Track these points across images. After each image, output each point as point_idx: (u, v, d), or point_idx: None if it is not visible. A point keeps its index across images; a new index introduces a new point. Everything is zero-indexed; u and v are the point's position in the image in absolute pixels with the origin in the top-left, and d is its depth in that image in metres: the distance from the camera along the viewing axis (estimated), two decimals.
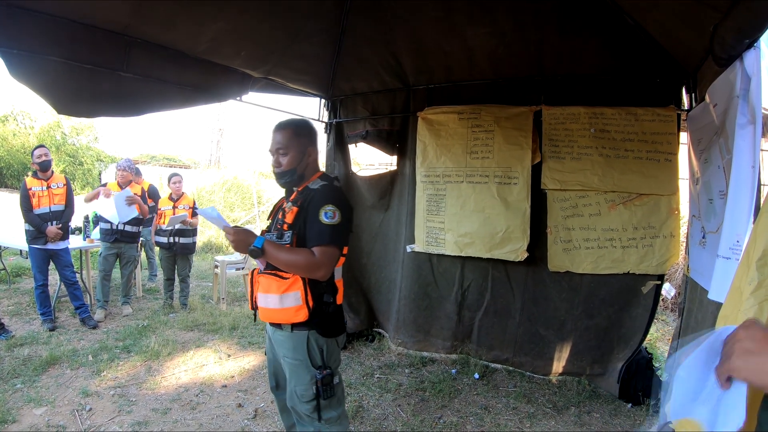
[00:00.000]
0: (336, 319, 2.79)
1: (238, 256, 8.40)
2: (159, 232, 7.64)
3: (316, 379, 2.67)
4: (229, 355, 5.84)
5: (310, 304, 2.64)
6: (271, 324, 2.83)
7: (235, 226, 2.67)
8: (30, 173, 6.80)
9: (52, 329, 6.59)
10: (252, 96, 5.60)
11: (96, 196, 7.08)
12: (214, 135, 30.88)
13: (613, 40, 4.43)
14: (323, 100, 6.27)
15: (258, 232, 2.72)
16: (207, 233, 14.82)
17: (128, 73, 4.49)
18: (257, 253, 2.56)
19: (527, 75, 4.99)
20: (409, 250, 5.71)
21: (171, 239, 7.59)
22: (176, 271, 7.82)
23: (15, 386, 4.98)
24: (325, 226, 2.56)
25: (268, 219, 3.01)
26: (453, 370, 5.29)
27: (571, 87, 4.82)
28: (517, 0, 4.06)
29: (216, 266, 8.29)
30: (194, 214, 7.71)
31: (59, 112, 4.76)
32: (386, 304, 6.08)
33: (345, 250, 2.73)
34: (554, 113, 4.84)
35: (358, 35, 4.92)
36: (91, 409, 4.55)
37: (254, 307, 2.93)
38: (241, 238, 2.59)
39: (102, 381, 5.12)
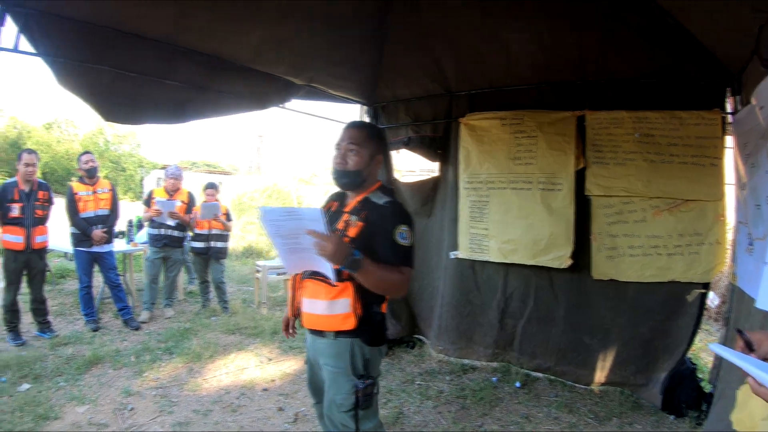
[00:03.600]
0: (381, 329, 2.75)
1: (279, 261, 8.48)
2: (196, 237, 8.01)
3: (357, 388, 2.62)
4: (270, 359, 5.98)
5: (359, 312, 2.58)
6: (312, 331, 2.78)
7: (334, 233, 2.54)
8: (76, 179, 7.13)
9: (95, 329, 6.92)
10: (293, 102, 5.67)
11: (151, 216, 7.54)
12: (254, 141, 31.32)
13: (656, 42, 4.42)
14: (364, 107, 6.39)
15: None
16: (248, 238, 14.94)
17: (173, 81, 4.62)
18: (357, 264, 2.42)
19: (569, 79, 5.02)
20: (452, 256, 5.76)
21: (207, 244, 7.95)
22: (210, 275, 8.14)
23: (58, 384, 5.18)
24: (401, 247, 2.53)
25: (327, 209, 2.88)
26: (494, 378, 5.33)
27: (613, 91, 4.86)
28: (557, 4, 4.04)
29: (257, 271, 8.61)
30: (229, 218, 8.11)
31: (105, 119, 4.93)
32: (428, 311, 6.14)
33: None
34: (597, 118, 4.88)
35: (399, 42, 5.00)
36: (133, 409, 4.70)
37: (295, 314, 2.91)
38: (341, 248, 2.41)
39: (144, 381, 5.31)
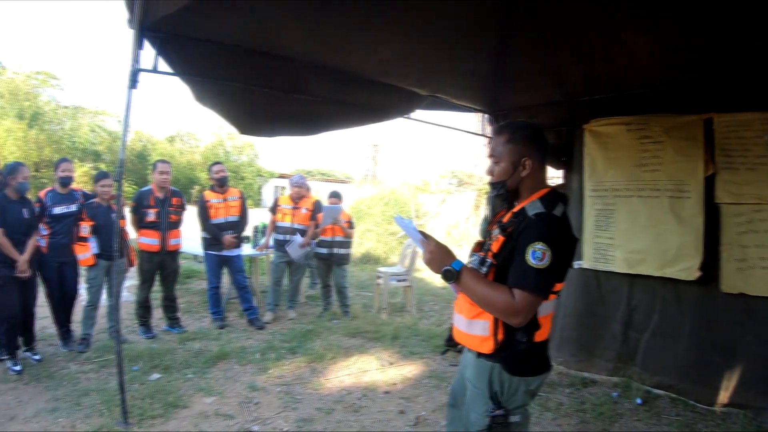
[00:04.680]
0: (528, 358, 2.45)
1: (400, 268, 8.76)
2: (320, 243, 8.50)
3: (489, 414, 2.44)
4: (391, 363, 6.23)
5: (499, 337, 2.39)
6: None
7: (436, 241, 2.50)
8: (208, 187, 7.97)
9: (221, 327, 7.58)
10: (416, 112, 5.79)
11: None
12: (369, 150, 31.67)
13: None
14: (486, 115, 6.44)
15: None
16: (366, 244, 15.20)
17: (303, 96, 4.85)
18: (452, 276, 2.35)
19: (695, 81, 4.86)
20: (576, 266, 5.70)
21: (330, 250, 8.43)
22: (332, 279, 8.58)
23: (186, 376, 5.67)
24: (530, 269, 2.24)
25: (486, 229, 2.79)
26: (614, 393, 5.28)
27: (741, 92, 4.70)
28: (682, 4, 3.94)
29: (379, 277, 9.02)
30: (351, 226, 8.55)
31: (241, 132, 5.28)
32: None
33: (558, 287, 2.44)
34: (725, 121, 4.76)
35: (519, 49, 4.97)
36: (258, 403, 5.03)
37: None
38: (437, 256, 2.40)
39: (268, 378, 5.67)
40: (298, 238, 7.95)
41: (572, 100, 5.70)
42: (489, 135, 6.32)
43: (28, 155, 32.13)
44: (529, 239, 2.28)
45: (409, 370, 5.97)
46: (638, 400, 5.07)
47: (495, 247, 2.43)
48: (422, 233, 2.52)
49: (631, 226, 5.33)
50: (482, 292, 2.31)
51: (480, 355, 2.49)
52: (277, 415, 4.76)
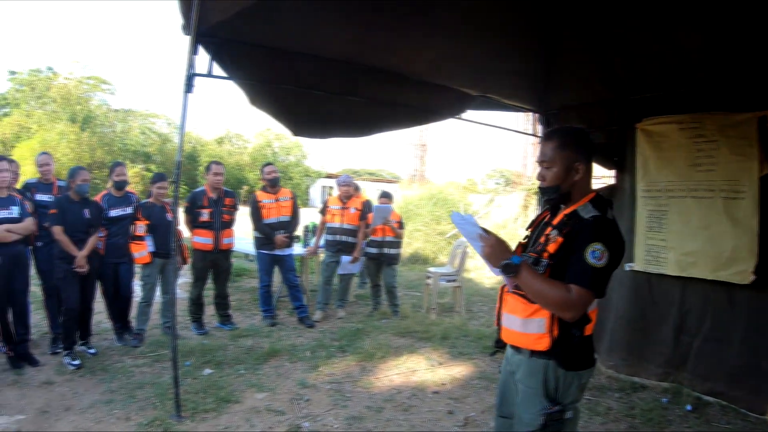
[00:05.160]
0: (580, 352, 2.58)
1: (449, 269, 8.79)
2: (370, 243, 8.60)
3: (545, 411, 2.52)
4: (440, 363, 6.28)
5: (554, 333, 2.48)
6: (512, 346, 2.75)
7: (496, 236, 2.61)
8: (259, 187, 8.20)
9: (272, 325, 7.79)
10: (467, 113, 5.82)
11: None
12: (417, 150, 31.69)
13: None
14: (536, 115, 6.48)
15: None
16: (414, 244, 15.23)
17: (356, 98, 4.90)
18: (511, 269, 2.46)
19: (748, 78, 4.74)
20: (627, 268, 5.67)
21: (380, 250, 8.53)
22: (382, 279, 8.67)
23: (238, 371, 5.84)
24: (589, 267, 2.37)
25: (527, 229, 2.92)
26: (664, 399, 5.20)
27: None
28: (732, 1, 3.86)
29: (428, 277, 9.12)
30: (401, 226, 8.64)
31: (294, 134, 5.36)
32: (599, 324, 5.81)
33: None
34: None
35: (570, 48, 4.98)
36: (309, 400, 5.16)
37: (497, 324, 2.91)
38: (497, 250, 2.51)
39: (318, 375, 5.80)
40: (346, 258, 8.22)
41: (624, 99, 5.65)
42: (539, 135, 6.30)
43: (80, 157, 33.36)
44: (587, 240, 2.40)
45: (459, 370, 6.01)
46: (688, 407, 5.00)
47: (552, 248, 2.52)
48: (483, 228, 2.62)
49: (683, 228, 5.26)
50: (539, 286, 2.42)
51: (533, 353, 2.56)
52: (327, 413, 4.86)
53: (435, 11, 4.14)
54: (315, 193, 45.10)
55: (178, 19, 4.11)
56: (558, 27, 4.89)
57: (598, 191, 2.69)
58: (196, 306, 7.41)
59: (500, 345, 2.85)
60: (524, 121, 18.31)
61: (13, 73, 44.08)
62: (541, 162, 2.66)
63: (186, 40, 4.23)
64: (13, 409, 4.77)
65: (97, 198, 6.59)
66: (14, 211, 5.68)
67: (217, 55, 4.46)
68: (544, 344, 2.50)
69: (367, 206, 8.48)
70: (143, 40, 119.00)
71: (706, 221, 5.08)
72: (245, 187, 36.34)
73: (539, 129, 6.49)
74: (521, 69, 5.40)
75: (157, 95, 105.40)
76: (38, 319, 6.81)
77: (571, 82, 5.75)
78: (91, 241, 6.02)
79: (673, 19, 4.32)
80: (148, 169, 35.64)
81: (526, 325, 2.56)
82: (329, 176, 44.85)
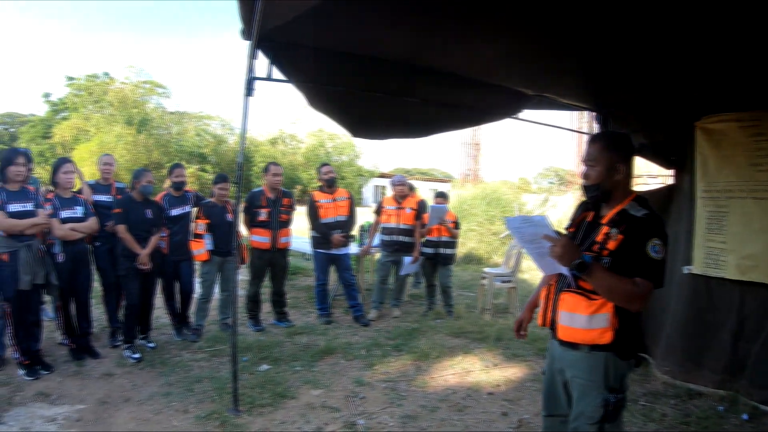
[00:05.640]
0: (635, 342, 2.79)
1: (505, 269, 8.77)
2: (426, 242, 8.67)
3: (608, 402, 2.67)
4: (495, 364, 6.30)
5: (616, 326, 2.64)
6: (563, 344, 2.85)
7: (566, 237, 2.76)
8: (316, 187, 8.37)
9: (327, 323, 8.00)
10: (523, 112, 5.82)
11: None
12: (470, 149, 31.51)
13: None
14: (593, 114, 6.31)
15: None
16: (468, 244, 15.20)
17: (413, 99, 4.91)
18: (585, 268, 2.57)
19: None
20: (685, 271, 5.57)
21: (436, 250, 8.59)
22: (437, 279, 8.75)
23: (294, 368, 6.01)
24: (651, 261, 2.56)
25: (568, 229, 3.04)
26: (720, 407, 5.08)
27: None
28: None
29: (483, 277, 9.16)
30: (457, 226, 8.74)
31: (353, 135, 5.46)
32: (655, 328, 5.94)
33: None
34: None
35: (627, 46, 4.88)
36: (364, 398, 5.26)
37: (545, 324, 2.99)
38: (568, 250, 2.61)
39: (374, 374, 5.91)
40: (407, 259, 8.31)
41: (682, 96, 5.50)
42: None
43: (137, 158, 34.44)
44: (647, 235, 2.59)
45: (513, 372, 6.02)
46: (744, 416, 4.88)
47: (612, 245, 2.65)
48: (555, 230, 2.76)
49: (744, 230, 5.12)
50: (611, 282, 2.56)
51: (593, 348, 2.70)
52: (382, 411, 4.95)
53: (488, 10, 4.15)
54: (368, 193, 45.60)
55: (228, 21, 4.20)
56: (614, 24, 4.85)
57: (638, 192, 2.86)
58: (253, 303, 7.63)
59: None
60: (578, 119, 18.20)
61: (71, 78, 46.36)
62: (585, 161, 2.85)
63: (245, 45, 4.39)
64: (74, 399, 5.08)
65: (158, 198, 6.92)
66: (78, 211, 6.05)
67: (275, 59, 4.57)
68: (606, 338, 2.64)
69: (422, 206, 8.55)
70: (195, 43, 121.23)
71: (767, 223, 4.95)
72: (298, 187, 36.83)
73: (595, 128, 6.44)
74: (578, 67, 5.34)
75: (210, 97, 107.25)
76: (98, 314, 7.07)
77: (629, 81, 5.57)
78: (153, 240, 6.36)
79: (732, 15, 4.25)
80: (203, 170, 36.64)
81: (592, 321, 2.67)
82: (382, 176, 45.30)
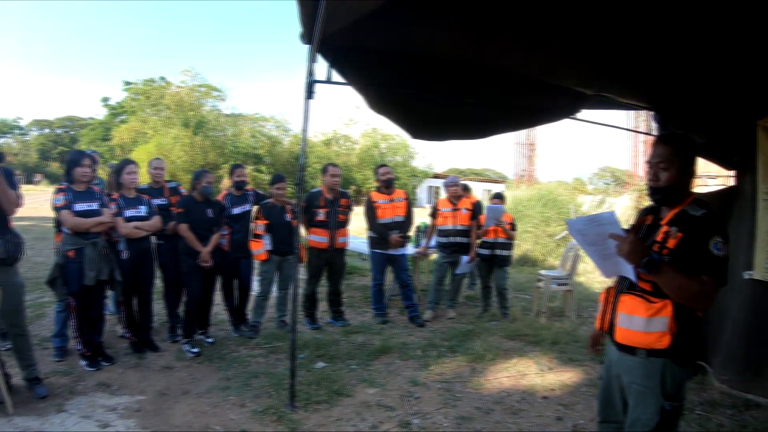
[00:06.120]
0: (694, 348, 2.69)
1: (561, 272, 8.72)
2: (482, 244, 8.72)
3: (664, 409, 2.64)
4: (550, 368, 6.28)
5: (674, 330, 2.59)
6: (621, 348, 2.83)
7: (632, 234, 2.72)
8: (374, 188, 8.59)
9: (383, 323, 8.11)
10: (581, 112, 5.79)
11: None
12: (524, 150, 31.24)
13: None
14: (651, 113, 6.21)
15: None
16: (523, 246, 15.11)
17: (473, 99, 4.95)
18: (655, 265, 2.55)
19: None
20: (746, 277, 5.38)
21: (492, 251, 8.62)
22: (493, 281, 8.73)
23: (350, 366, 6.13)
24: (714, 258, 2.54)
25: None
26: None
27: None
28: None
29: (539, 279, 9.16)
30: (513, 228, 8.71)
31: (413, 137, 5.52)
32: (714, 336, 5.73)
33: None
34: None
35: (685, 43, 4.78)
36: (419, 398, 5.28)
37: (604, 327, 3.01)
38: (637, 248, 2.59)
39: (429, 374, 5.94)
40: (464, 258, 8.36)
41: (743, 94, 5.34)
42: (653, 134, 6.16)
43: (194, 159, 35.44)
44: (709, 234, 2.58)
45: (568, 376, 5.99)
46: None
47: (672, 243, 2.65)
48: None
49: None
50: (680, 280, 2.53)
51: (651, 353, 2.67)
52: (437, 411, 4.97)
53: (550, 11, 4.15)
54: (422, 194, 45.72)
55: (282, 24, 4.29)
56: (673, 22, 4.80)
57: (697, 194, 2.84)
58: (310, 302, 7.80)
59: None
60: (634, 118, 17.94)
61: (128, 83, 48.43)
62: (655, 163, 2.78)
63: (302, 47, 4.51)
64: (134, 390, 5.32)
65: (220, 197, 7.20)
66: (142, 210, 6.34)
67: (335, 62, 4.68)
68: (664, 342, 2.61)
69: (477, 206, 8.61)
70: (249, 46, 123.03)
71: None
72: (353, 188, 37.29)
73: (653, 127, 6.36)
74: (637, 65, 5.31)
75: (265, 99, 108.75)
76: (158, 309, 7.27)
77: (688, 77, 5.52)
78: (215, 238, 6.64)
79: None
80: (258, 170, 37.30)
81: (650, 325, 2.65)
82: (436, 176, 45.40)
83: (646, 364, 2.68)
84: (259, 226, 7.22)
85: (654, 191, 2.82)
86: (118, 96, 57.40)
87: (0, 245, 4.64)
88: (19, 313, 5.03)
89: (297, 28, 4.25)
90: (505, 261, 8.73)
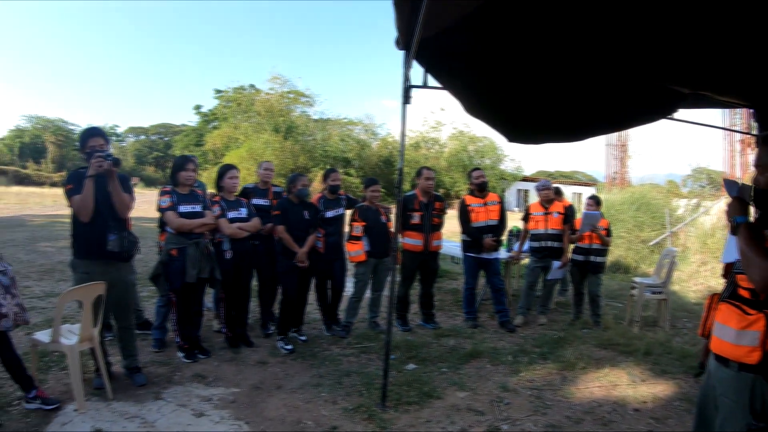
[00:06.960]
0: None
1: (656, 280, 8.57)
2: (576, 249, 8.62)
3: (750, 427, 2.50)
4: (642, 380, 6.11)
5: (766, 347, 2.46)
6: (717, 359, 2.73)
7: (738, 197, 2.69)
8: (468, 192, 8.51)
9: (473, 326, 8.12)
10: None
11: None
12: (616, 151, 30.53)
13: None
14: (751, 111, 5.99)
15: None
16: (616, 252, 14.79)
17: (569, 101, 4.95)
18: (737, 224, 2.56)
19: None
20: None
21: (586, 257, 8.46)
22: (585, 287, 8.62)
23: (441, 369, 6.16)
24: None
25: None
26: None
27: None
28: None
29: (633, 287, 8.92)
30: (609, 234, 8.51)
31: (509, 140, 5.59)
32: None
33: None
34: None
35: None
36: (509, 404, 5.28)
37: (704, 334, 2.97)
38: (733, 206, 2.61)
39: (519, 380, 5.93)
40: (555, 263, 8.30)
41: None
42: (754, 133, 5.97)
43: (284, 163, 36.53)
44: None
45: (661, 389, 5.82)
46: None
47: None
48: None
49: None
50: (748, 245, 2.46)
51: (742, 367, 2.55)
52: (527, 418, 4.96)
53: (649, 7, 4.09)
54: (511, 197, 45.29)
55: (371, 27, 4.33)
56: None
57: None
58: (402, 304, 7.90)
59: (703, 368, 2.89)
60: (729, 117, 17.26)
61: (219, 92, 50.30)
62: (757, 166, 2.68)
63: (401, 55, 4.54)
64: (229, 382, 5.58)
65: (314, 200, 7.36)
66: (243, 212, 6.66)
67: (430, 67, 4.71)
68: (754, 358, 2.49)
69: (570, 210, 8.51)
70: (334, 50, 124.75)
71: None
72: (441, 191, 37.30)
73: (753, 126, 6.15)
74: (736, 62, 5.17)
75: (353, 103, 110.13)
76: (252, 307, 7.49)
77: None
78: (310, 239, 6.84)
79: None
80: (347, 173, 37.97)
81: (740, 338, 2.55)
82: (525, 179, 45.36)
83: (738, 378, 2.58)
84: (356, 227, 7.37)
85: (758, 195, 2.67)
86: (209, 104, 59.74)
87: (116, 240, 4.97)
88: (128, 309, 5.42)
89: (377, 28, 4.30)
90: (599, 268, 8.54)
